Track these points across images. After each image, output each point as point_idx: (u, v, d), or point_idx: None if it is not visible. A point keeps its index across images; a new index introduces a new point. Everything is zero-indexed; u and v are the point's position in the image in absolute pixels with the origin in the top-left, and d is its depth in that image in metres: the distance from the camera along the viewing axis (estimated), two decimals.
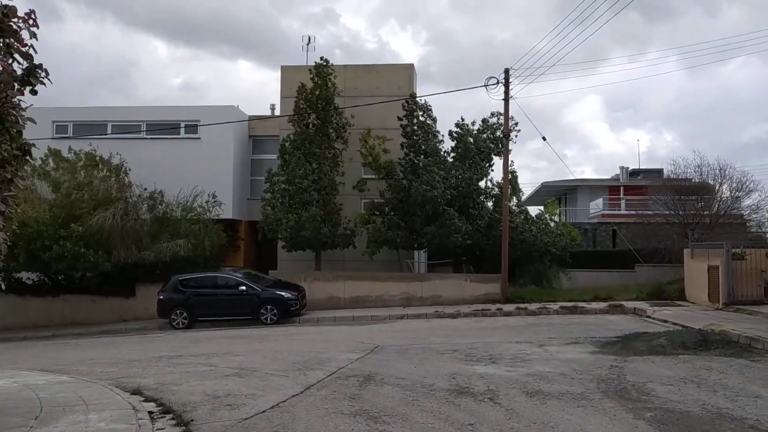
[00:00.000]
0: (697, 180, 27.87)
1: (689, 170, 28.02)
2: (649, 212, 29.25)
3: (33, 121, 5.64)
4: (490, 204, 24.82)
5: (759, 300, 17.72)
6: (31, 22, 5.40)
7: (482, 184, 24.58)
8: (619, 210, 36.97)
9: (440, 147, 24.50)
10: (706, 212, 26.52)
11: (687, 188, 27.44)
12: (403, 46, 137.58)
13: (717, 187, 27.31)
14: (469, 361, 10.63)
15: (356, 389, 8.56)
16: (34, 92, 5.60)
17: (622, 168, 43.10)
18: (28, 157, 5.94)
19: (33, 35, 5.44)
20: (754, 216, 29.08)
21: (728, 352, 10.76)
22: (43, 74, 5.57)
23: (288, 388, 8.77)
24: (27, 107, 5.77)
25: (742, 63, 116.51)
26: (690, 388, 8.08)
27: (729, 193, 27.17)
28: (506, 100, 22.01)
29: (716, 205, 27.06)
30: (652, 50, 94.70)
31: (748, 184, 26.98)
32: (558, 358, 10.74)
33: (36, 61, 5.57)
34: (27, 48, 5.49)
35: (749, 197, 27.46)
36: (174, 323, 20.25)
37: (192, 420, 7.08)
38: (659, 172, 37.61)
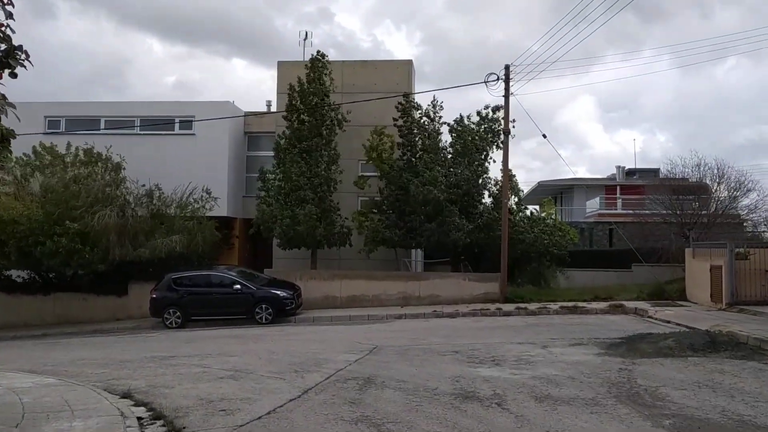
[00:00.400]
0: (694, 180, 27.70)
1: (687, 170, 27.85)
2: (647, 212, 29.05)
3: (13, 106, 5.24)
4: (489, 202, 24.47)
5: (763, 300, 17.41)
6: (6, 0, 4.99)
7: (481, 181, 24.19)
8: (616, 209, 36.91)
9: (439, 144, 24.13)
10: (703, 212, 26.33)
11: (684, 188, 27.26)
12: (398, 46, 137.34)
13: (714, 187, 27.13)
14: (471, 363, 10.28)
15: (356, 393, 8.20)
16: (13, 75, 5.19)
17: (618, 167, 43.08)
18: (9, 146, 5.53)
19: (9, 15, 5.03)
20: (751, 216, 28.92)
21: (738, 355, 10.43)
22: (23, 56, 5.14)
23: (285, 391, 8.41)
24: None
25: (735, 64, 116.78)
26: (705, 392, 7.75)
27: (727, 192, 27.00)
28: (506, 96, 21.66)
29: (714, 205, 26.89)
30: (646, 50, 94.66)
31: (746, 183, 26.79)
32: (563, 360, 10.40)
33: (16, 43, 5.16)
34: (4, 28, 5.09)
35: (747, 197, 27.28)
36: (167, 322, 19.84)
37: (184, 427, 6.70)
38: (655, 171, 37.55)
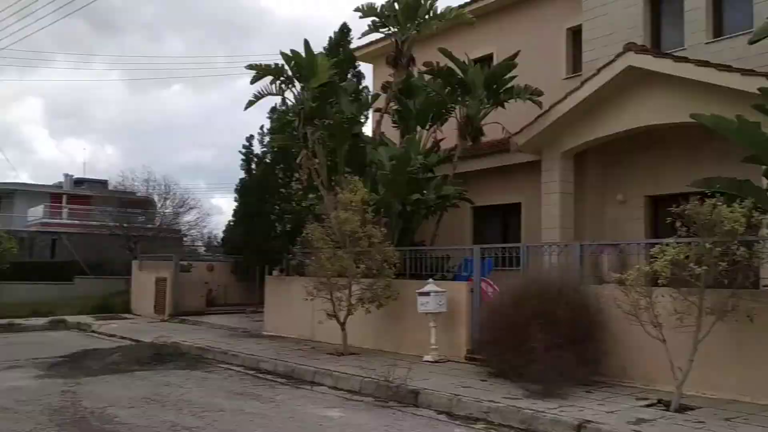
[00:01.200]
0: (143, 194, 28.99)
1: (137, 183, 29.01)
2: (95, 223, 28.96)
3: None
4: None
5: (202, 310, 18.93)
6: None
7: None
8: (62, 219, 35.84)
9: None
10: (149, 225, 27.68)
11: (132, 201, 28.36)
12: None
13: (161, 203, 28.89)
14: None
15: None
16: None
17: (66, 176, 42.07)
18: None
19: None
20: (191, 231, 31.71)
21: (183, 365, 10.84)
22: None
23: None
24: None
25: (180, 90, 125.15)
26: (155, 408, 7.67)
27: (172, 208, 29.01)
28: None
29: (159, 220, 28.50)
30: (98, 62, 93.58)
31: (189, 201, 29.42)
32: None
33: None
34: None
35: (189, 214, 29.92)
36: None
37: None
38: (104, 183, 37.75)
